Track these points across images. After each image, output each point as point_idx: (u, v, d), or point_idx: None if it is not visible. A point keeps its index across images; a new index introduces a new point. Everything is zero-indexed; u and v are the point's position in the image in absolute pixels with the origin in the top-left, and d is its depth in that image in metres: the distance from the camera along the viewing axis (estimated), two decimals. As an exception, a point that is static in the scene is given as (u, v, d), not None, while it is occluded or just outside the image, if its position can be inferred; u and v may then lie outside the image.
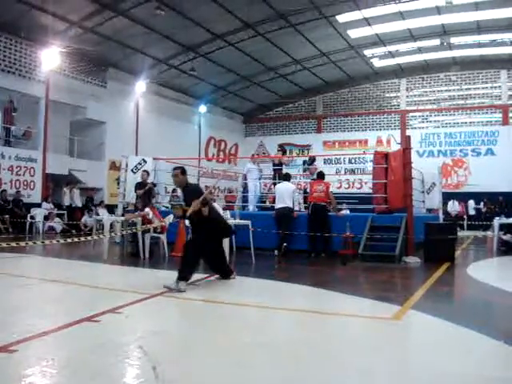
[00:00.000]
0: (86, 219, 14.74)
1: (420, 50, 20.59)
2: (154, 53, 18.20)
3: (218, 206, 8.89)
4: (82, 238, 8.33)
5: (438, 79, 22.90)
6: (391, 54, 21.02)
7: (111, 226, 10.08)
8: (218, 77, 21.18)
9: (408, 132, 21.25)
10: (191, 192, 5.69)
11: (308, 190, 10.50)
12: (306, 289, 5.88)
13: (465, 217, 19.72)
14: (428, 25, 17.86)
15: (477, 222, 18.31)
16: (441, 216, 12.68)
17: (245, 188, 12.60)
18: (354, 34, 18.69)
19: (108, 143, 18.09)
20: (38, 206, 14.82)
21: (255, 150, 25.15)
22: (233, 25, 16.89)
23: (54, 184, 16.47)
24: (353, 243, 8.38)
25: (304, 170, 12.86)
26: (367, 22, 17.46)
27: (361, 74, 23.36)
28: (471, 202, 20.41)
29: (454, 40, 19.38)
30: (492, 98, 21.99)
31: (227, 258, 7.29)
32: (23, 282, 5.88)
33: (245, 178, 12.41)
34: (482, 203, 19.92)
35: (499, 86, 21.79)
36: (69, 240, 7.47)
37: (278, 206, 9.68)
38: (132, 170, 11.95)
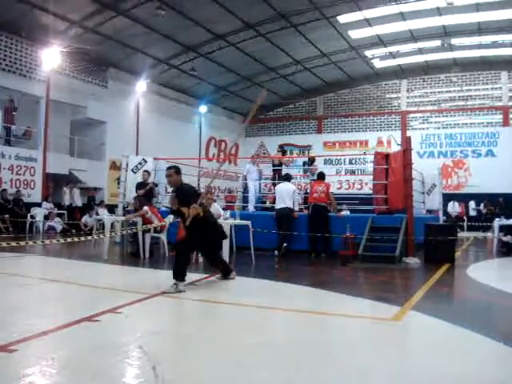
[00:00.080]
0: (86, 219, 14.74)
1: (421, 51, 20.59)
2: (155, 53, 18.20)
3: (217, 205, 8.91)
4: (82, 238, 8.33)
5: (438, 80, 22.91)
6: (392, 55, 21.03)
7: (111, 225, 10.08)
8: (218, 77, 21.19)
9: (408, 133, 21.23)
10: (185, 192, 5.58)
11: (308, 191, 10.50)
12: (305, 289, 5.88)
13: (465, 218, 19.72)
14: (429, 26, 17.86)
15: (477, 223, 18.29)
16: (441, 217, 12.68)
17: (245, 188, 12.61)
18: (354, 34, 18.70)
19: (108, 143, 18.10)
20: (38, 205, 14.83)
21: (255, 151, 25.17)
22: (234, 25, 16.89)
23: (55, 184, 16.47)
24: (353, 244, 8.37)
25: (305, 171, 12.87)
26: (368, 22, 17.46)
27: (361, 74, 23.36)
28: (471, 203, 20.41)
29: (455, 41, 19.38)
30: (492, 100, 22.00)
31: (227, 258, 7.30)
32: (23, 281, 5.88)
33: (245, 178, 12.43)
34: (482, 204, 19.90)
35: (500, 88, 21.80)
36: (69, 240, 7.46)
37: (278, 206, 9.69)
38: (132, 170, 11.96)
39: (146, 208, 8.75)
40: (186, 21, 15.87)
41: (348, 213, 11.79)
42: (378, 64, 22.11)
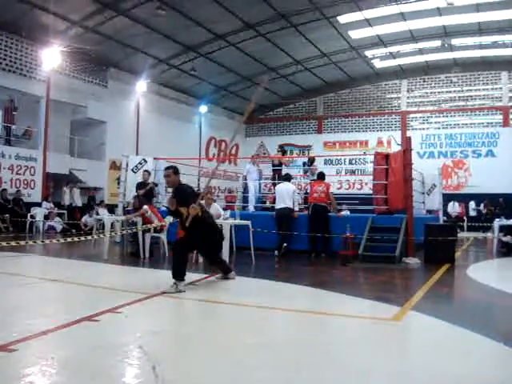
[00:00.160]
0: (86, 219, 14.74)
1: (421, 51, 20.59)
2: (155, 52, 18.20)
3: (217, 205, 8.91)
4: (82, 238, 8.33)
5: (438, 80, 22.91)
6: (392, 55, 21.03)
7: (111, 225, 10.08)
8: (218, 77, 21.19)
9: (408, 133, 21.23)
10: (184, 193, 5.56)
11: (308, 191, 10.51)
12: (306, 289, 5.88)
13: (465, 218, 19.72)
14: (429, 26, 17.87)
15: (477, 224, 18.30)
16: (441, 217, 12.68)
17: (245, 189, 12.61)
18: (355, 34, 18.70)
19: (108, 143, 18.10)
20: (39, 205, 14.83)
21: (256, 151, 25.16)
22: (234, 25, 16.89)
23: (55, 183, 16.47)
24: (353, 244, 8.37)
25: (305, 172, 12.87)
26: (368, 22, 17.47)
27: (362, 74, 23.37)
28: (471, 204, 20.41)
29: (455, 41, 19.38)
30: (493, 100, 22.00)
31: (227, 258, 7.30)
32: (23, 281, 5.88)
33: (245, 178, 12.43)
34: (482, 205, 19.91)
35: (500, 88, 21.81)
36: (69, 239, 7.46)
37: (278, 206, 9.69)
38: (132, 170, 11.97)
39: (145, 207, 8.74)
40: (186, 21, 15.88)
41: (348, 213, 11.79)
42: (378, 64, 22.12)
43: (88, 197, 16.80)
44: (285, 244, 9.15)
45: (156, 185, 11.23)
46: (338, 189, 18.17)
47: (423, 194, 12.55)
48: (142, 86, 19.38)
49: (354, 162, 23.47)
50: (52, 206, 15.13)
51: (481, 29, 18.00)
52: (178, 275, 5.24)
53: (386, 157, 9.96)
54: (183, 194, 5.52)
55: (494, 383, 2.77)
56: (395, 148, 21.27)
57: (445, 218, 14.83)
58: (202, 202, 8.27)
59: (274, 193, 10.43)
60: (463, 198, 20.49)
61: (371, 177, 11.35)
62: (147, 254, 8.46)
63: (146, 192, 10.21)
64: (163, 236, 8.82)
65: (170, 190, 12.89)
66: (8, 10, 13.61)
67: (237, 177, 18.37)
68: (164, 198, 12.58)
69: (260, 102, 25.31)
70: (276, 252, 9.24)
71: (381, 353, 3.29)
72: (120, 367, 2.90)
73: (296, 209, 9.89)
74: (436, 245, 8.24)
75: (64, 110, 16.87)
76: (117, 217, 10.44)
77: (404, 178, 8.83)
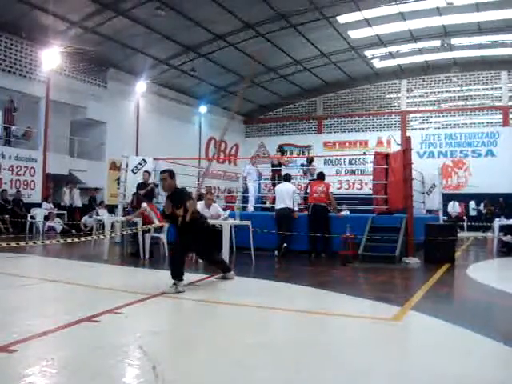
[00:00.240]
0: (86, 219, 14.74)
1: (420, 51, 20.59)
2: (155, 53, 18.21)
3: (217, 206, 8.91)
4: (82, 238, 8.32)
5: (438, 80, 22.92)
6: (392, 55, 21.03)
7: (111, 226, 10.08)
8: (218, 77, 21.19)
9: (408, 133, 21.24)
10: (179, 194, 5.58)
11: (308, 191, 10.51)
12: (305, 289, 5.88)
13: (465, 218, 19.72)
14: (429, 26, 17.87)
15: (477, 224, 18.30)
16: (441, 217, 12.68)
17: (245, 190, 12.61)
18: (354, 34, 18.70)
19: (108, 143, 18.11)
20: (38, 205, 14.83)
21: (255, 151, 25.16)
22: (233, 25, 16.90)
23: (54, 184, 16.48)
24: (353, 244, 8.37)
25: (304, 173, 12.86)
26: (368, 22, 17.47)
27: (361, 74, 23.37)
28: (471, 203, 20.41)
29: (455, 41, 19.38)
30: (492, 100, 22.00)
31: (227, 258, 7.30)
32: (23, 281, 5.88)
33: (245, 179, 12.44)
34: (482, 204, 19.91)
35: (500, 88, 21.81)
36: (69, 240, 7.46)
37: (278, 206, 9.69)
38: (132, 170, 11.96)
39: (144, 205, 8.73)
40: (186, 21, 15.88)
41: (348, 213, 11.80)
42: (378, 64, 22.12)
43: (88, 197, 16.81)
44: (285, 244, 9.15)
45: (156, 185, 11.21)
46: (338, 189, 18.19)
47: (423, 193, 12.55)
48: (141, 86, 19.39)
49: (353, 162, 23.48)
50: (52, 206, 15.13)
51: (480, 28, 18.00)
52: (177, 275, 5.25)
53: (386, 157, 9.95)
54: (179, 195, 5.55)
55: (494, 383, 2.77)
56: (395, 148, 21.27)
57: (445, 217, 14.82)
58: (201, 202, 8.30)
59: (274, 193, 10.43)
60: (463, 198, 20.49)
61: (371, 177, 11.35)
62: (147, 255, 8.46)
63: (146, 192, 10.20)
64: (163, 236, 8.82)
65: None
66: (8, 11, 13.62)
67: (237, 177, 18.37)
68: (164, 198, 12.58)
69: (260, 102, 25.33)
70: (276, 252, 9.24)
71: (381, 353, 3.29)
72: (120, 367, 2.90)
73: (296, 209, 9.89)
74: (436, 245, 8.24)
75: (64, 111, 16.87)
76: (117, 217, 10.43)
77: (404, 177, 8.83)
